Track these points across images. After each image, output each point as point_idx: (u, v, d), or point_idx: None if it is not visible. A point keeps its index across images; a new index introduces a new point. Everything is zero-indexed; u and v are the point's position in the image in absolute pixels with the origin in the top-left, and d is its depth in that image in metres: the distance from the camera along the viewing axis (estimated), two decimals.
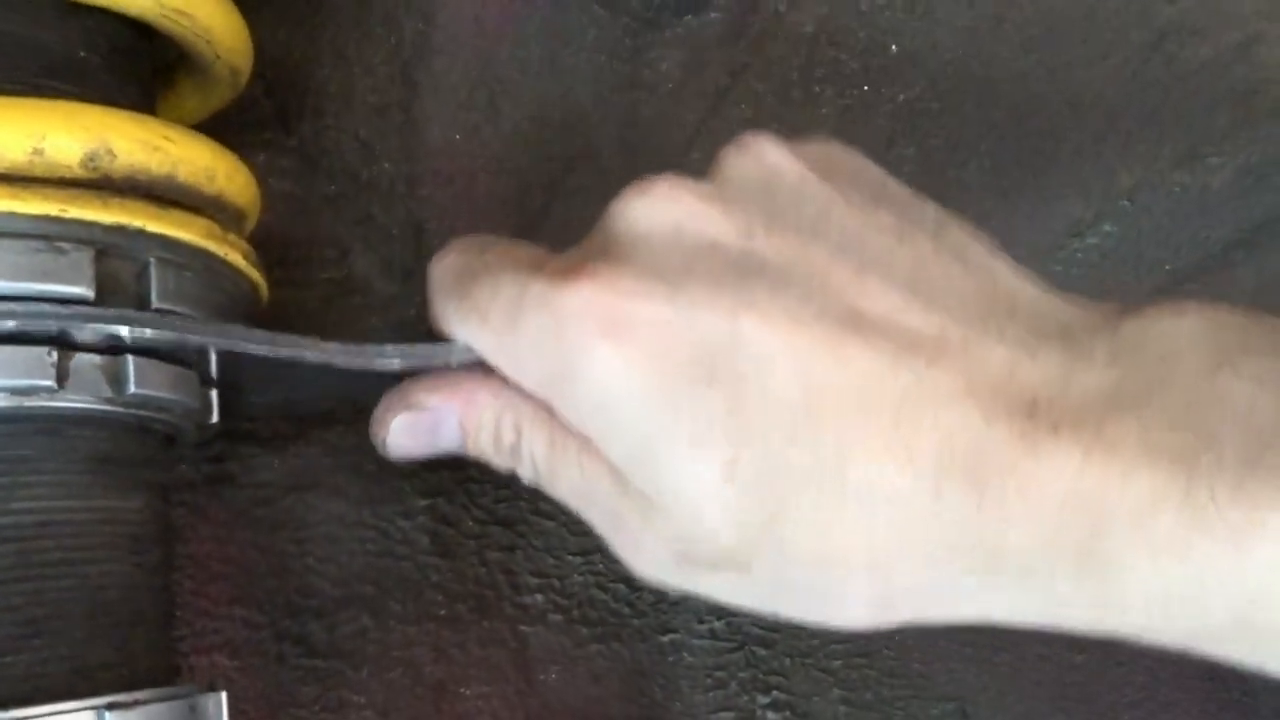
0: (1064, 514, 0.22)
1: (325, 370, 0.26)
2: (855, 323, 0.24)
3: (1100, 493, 0.21)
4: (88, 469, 0.23)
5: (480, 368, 0.27)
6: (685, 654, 0.37)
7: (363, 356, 0.26)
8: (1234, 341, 0.22)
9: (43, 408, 0.22)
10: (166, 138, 0.24)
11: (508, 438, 0.27)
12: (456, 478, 0.37)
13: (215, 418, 0.26)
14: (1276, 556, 0.20)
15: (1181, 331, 0.23)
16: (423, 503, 0.37)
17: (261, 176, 0.29)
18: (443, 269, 0.28)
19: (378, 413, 0.28)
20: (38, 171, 0.22)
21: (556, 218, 0.38)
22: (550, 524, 0.37)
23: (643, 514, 0.25)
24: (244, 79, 0.30)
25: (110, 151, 0.22)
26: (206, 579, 0.34)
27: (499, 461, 0.28)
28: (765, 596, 0.25)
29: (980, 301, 0.24)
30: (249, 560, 0.35)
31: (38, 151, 0.22)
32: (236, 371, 0.26)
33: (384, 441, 0.28)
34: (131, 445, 0.24)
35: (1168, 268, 0.41)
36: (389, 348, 0.26)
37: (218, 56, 0.28)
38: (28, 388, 0.21)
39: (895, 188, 0.27)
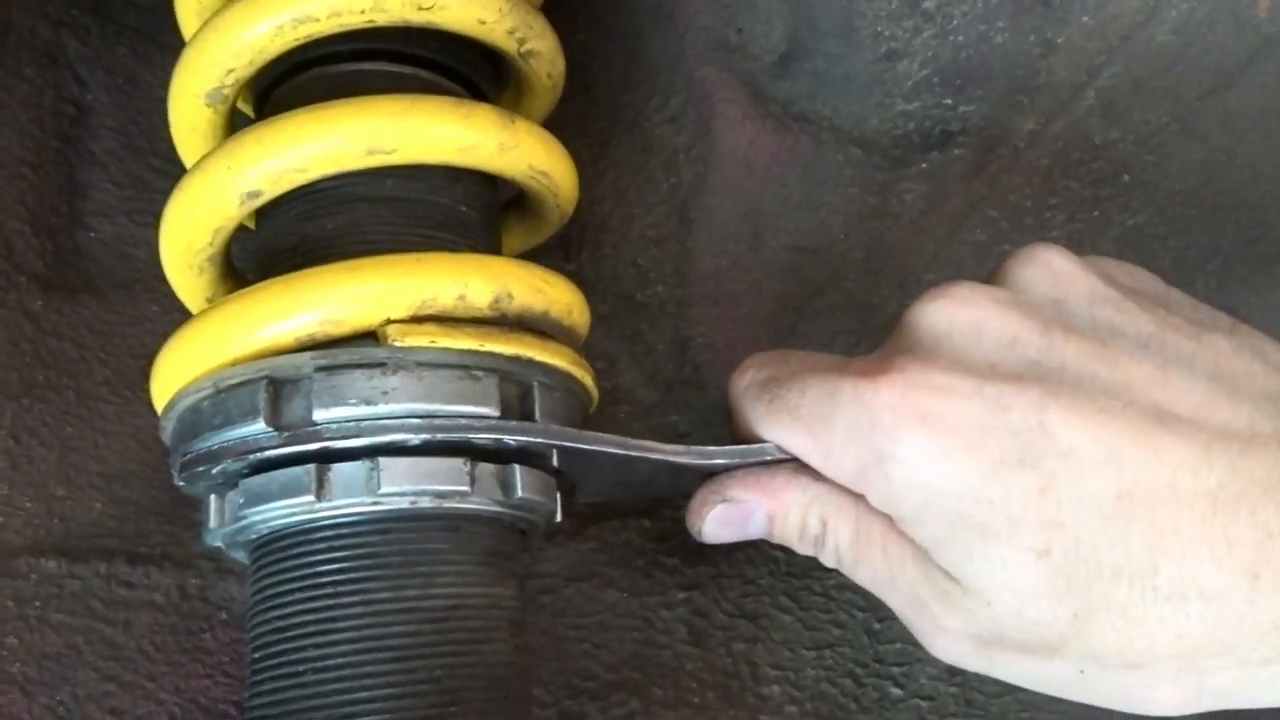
0: None
1: (636, 472, 0.30)
2: (1163, 416, 0.25)
3: None
4: (481, 561, 0.27)
5: (788, 465, 0.30)
6: None
7: (696, 456, 0.30)
8: None
9: (454, 509, 0.26)
10: (546, 281, 0.28)
11: (813, 529, 0.30)
12: (709, 573, 0.40)
13: (560, 517, 0.30)
14: None
15: None
16: (681, 595, 0.40)
17: None
18: (747, 380, 0.31)
19: (694, 505, 0.31)
20: (459, 313, 0.26)
21: (803, 333, 0.42)
22: (788, 618, 0.40)
23: (946, 596, 0.27)
24: (567, 218, 0.35)
25: (510, 294, 0.27)
26: None
27: (802, 549, 0.31)
28: (1067, 685, 0.26)
29: None
30: (536, 644, 0.38)
31: (462, 297, 0.26)
32: (575, 474, 0.30)
33: (700, 530, 0.32)
34: (509, 541, 0.28)
35: None
36: (715, 449, 0.30)
37: (558, 205, 0.33)
38: (448, 492, 0.26)
39: (1180, 295, 0.29)
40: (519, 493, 0.27)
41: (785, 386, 0.29)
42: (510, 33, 0.31)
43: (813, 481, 0.29)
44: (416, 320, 0.26)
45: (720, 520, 0.31)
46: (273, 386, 0.25)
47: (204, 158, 0.28)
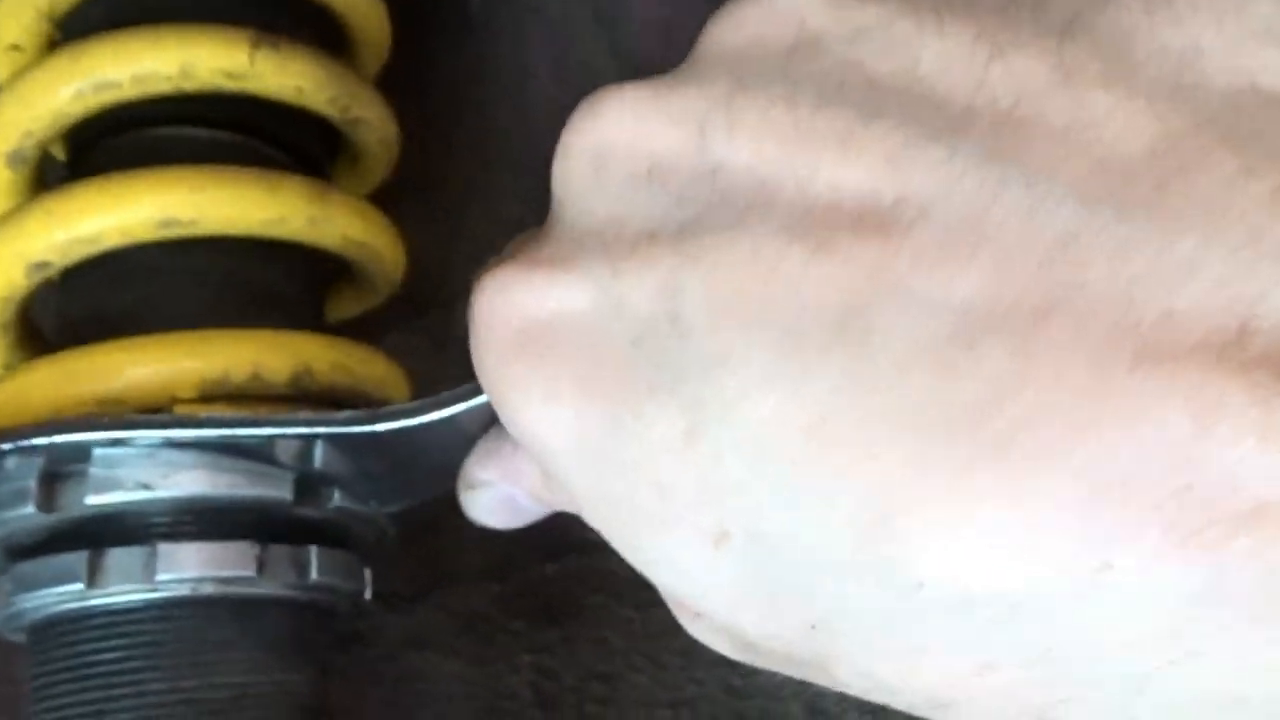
0: None
1: (399, 454, 0.25)
2: (897, 255, 0.14)
3: None
4: (272, 647, 0.26)
5: None
6: None
7: (414, 415, 0.24)
8: None
9: (240, 594, 0.26)
10: (352, 357, 0.28)
11: (569, 503, 0.20)
12: (560, 636, 0.39)
13: (369, 594, 0.29)
14: None
15: None
16: (527, 659, 0.39)
17: (394, 355, 0.33)
18: None
19: (457, 491, 0.24)
20: (254, 391, 0.26)
21: None
22: (642, 678, 0.40)
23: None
24: (397, 286, 0.34)
25: (309, 371, 0.27)
26: None
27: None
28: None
29: None
30: (376, 715, 0.38)
31: (256, 376, 0.26)
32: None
33: (480, 523, 0.24)
34: (305, 624, 0.27)
35: None
36: (430, 399, 0.24)
37: (383, 273, 0.32)
38: (233, 578, 0.25)
39: None
40: (314, 575, 0.26)
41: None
42: (331, 101, 0.30)
43: None
44: (205, 400, 0.25)
45: (483, 511, 0.23)
46: (48, 467, 0.24)
47: None
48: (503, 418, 0.18)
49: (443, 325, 0.41)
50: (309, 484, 0.26)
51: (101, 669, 0.24)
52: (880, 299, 0.13)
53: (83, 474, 0.24)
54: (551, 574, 0.40)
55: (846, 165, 0.14)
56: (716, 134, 0.15)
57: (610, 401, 0.16)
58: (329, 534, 0.27)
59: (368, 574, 0.29)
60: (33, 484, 0.24)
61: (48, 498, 0.24)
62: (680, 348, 0.15)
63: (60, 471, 0.24)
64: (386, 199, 0.34)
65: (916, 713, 0.15)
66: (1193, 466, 0.12)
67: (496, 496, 0.23)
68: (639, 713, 0.39)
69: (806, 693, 0.39)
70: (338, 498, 0.27)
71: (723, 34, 0.16)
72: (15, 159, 0.29)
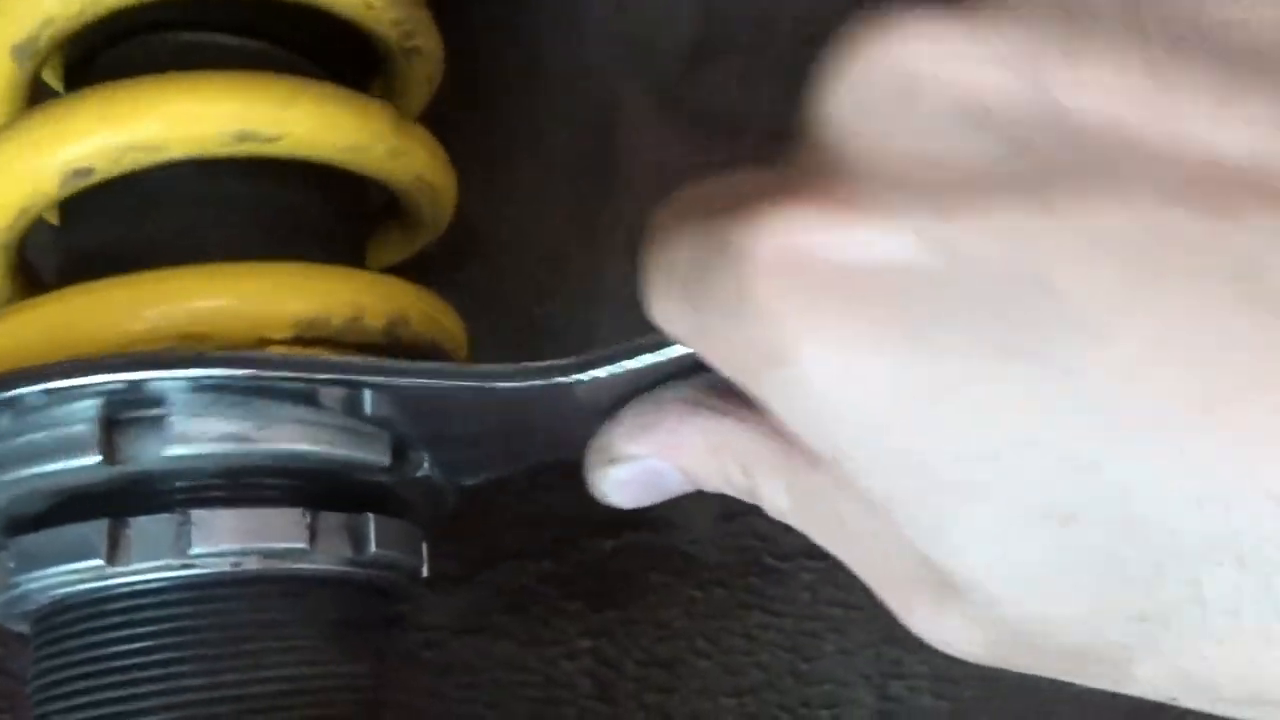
0: None
1: (487, 423, 0.23)
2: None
3: None
4: (325, 634, 0.22)
5: (681, 394, 0.20)
6: None
7: (536, 376, 0.22)
8: None
9: (289, 570, 0.22)
10: (440, 310, 0.25)
11: (740, 482, 0.20)
12: (619, 618, 0.36)
13: (426, 571, 0.26)
14: None
15: None
16: (585, 644, 0.36)
17: None
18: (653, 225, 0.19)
19: (587, 466, 0.23)
20: (350, 338, 0.22)
21: None
22: (706, 664, 0.36)
23: (935, 588, 0.16)
24: (444, 228, 0.30)
25: (406, 320, 0.23)
26: None
27: (747, 500, 0.21)
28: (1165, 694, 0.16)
29: None
30: (420, 704, 0.34)
31: (356, 319, 0.22)
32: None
33: (605, 498, 0.23)
34: (362, 605, 0.24)
35: None
36: (562, 362, 0.21)
37: (434, 218, 0.29)
38: (281, 550, 0.21)
39: None
40: (372, 547, 0.23)
41: (675, 225, 0.18)
42: (395, 23, 0.27)
43: (715, 415, 0.19)
44: (302, 343, 0.21)
45: (621, 488, 0.22)
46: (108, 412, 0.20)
47: (22, 117, 0.23)
48: (768, 369, 0.16)
49: (484, 279, 0.38)
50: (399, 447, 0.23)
51: (124, 661, 0.20)
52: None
53: (159, 421, 0.20)
54: (609, 551, 0.37)
55: (1226, 124, 0.13)
56: (1058, 77, 0.14)
57: (938, 360, 0.15)
58: (386, 501, 0.24)
59: (425, 548, 0.25)
60: (89, 430, 0.20)
61: (111, 447, 0.20)
62: (1042, 309, 0.14)
63: (120, 418, 0.20)
64: None
65: (1236, 714, 0.15)
66: None
67: (640, 471, 0.22)
68: (702, 701, 0.37)
69: (875, 676, 0.37)
70: (425, 465, 0.23)
71: None
72: (24, 52, 0.24)
